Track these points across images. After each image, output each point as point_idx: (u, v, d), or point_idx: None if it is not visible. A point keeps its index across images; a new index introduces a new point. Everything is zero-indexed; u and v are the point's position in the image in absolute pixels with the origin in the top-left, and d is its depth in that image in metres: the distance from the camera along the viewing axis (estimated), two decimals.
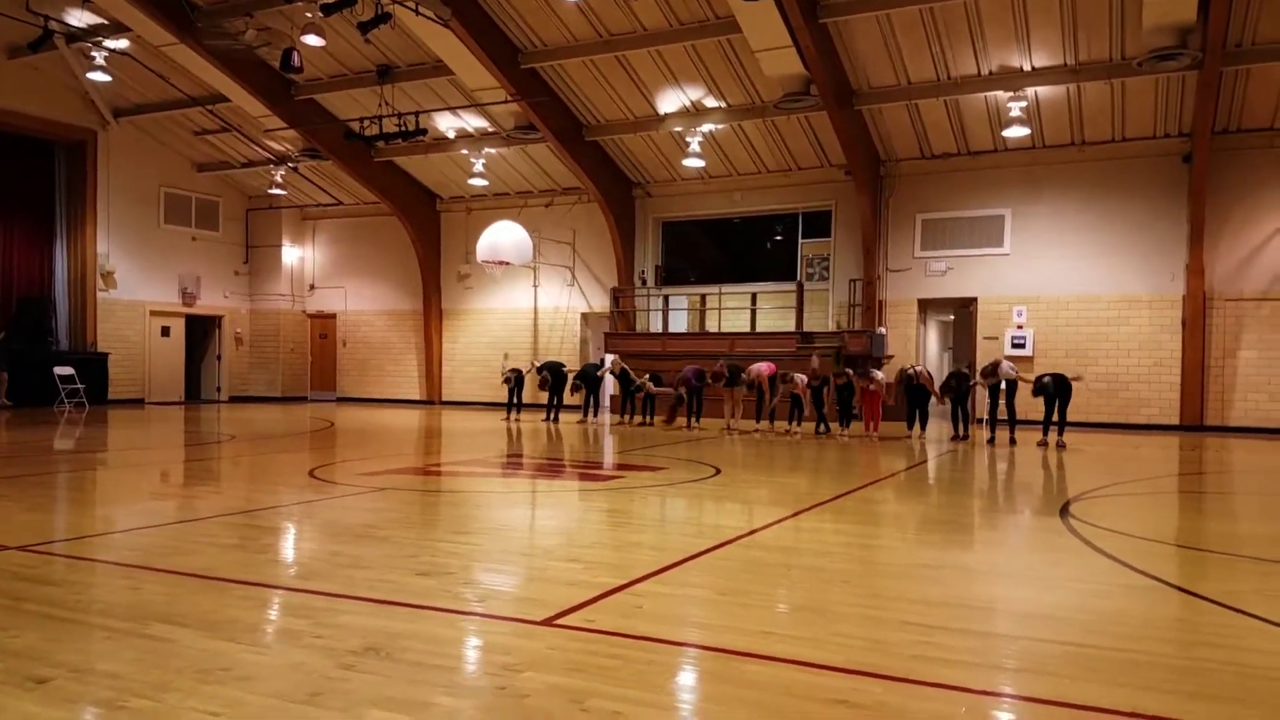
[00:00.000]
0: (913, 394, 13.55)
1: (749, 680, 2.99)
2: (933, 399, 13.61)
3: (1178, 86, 15.12)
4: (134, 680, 2.91)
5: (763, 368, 14.52)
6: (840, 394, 13.85)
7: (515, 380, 17.64)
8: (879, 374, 14.25)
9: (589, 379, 17.01)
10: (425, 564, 4.62)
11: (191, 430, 14.64)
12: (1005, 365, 12.98)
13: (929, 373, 13.95)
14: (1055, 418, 12.50)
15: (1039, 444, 12.52)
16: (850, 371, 14.11)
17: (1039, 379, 12.69)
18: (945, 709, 2.78)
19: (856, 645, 3.37)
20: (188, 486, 8.19)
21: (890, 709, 2.77)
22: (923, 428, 13.64)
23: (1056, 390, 12.45)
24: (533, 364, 18.08)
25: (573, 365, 18.63)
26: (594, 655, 3.22)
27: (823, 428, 14.21)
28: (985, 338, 17.04)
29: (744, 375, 14.52)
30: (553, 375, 16.76)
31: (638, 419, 16.19)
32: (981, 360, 15.62)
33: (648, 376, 16.22)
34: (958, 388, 13.39)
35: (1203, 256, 15.90)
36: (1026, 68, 15.34)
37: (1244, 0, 13.28)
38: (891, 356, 17.46)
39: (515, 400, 17.64)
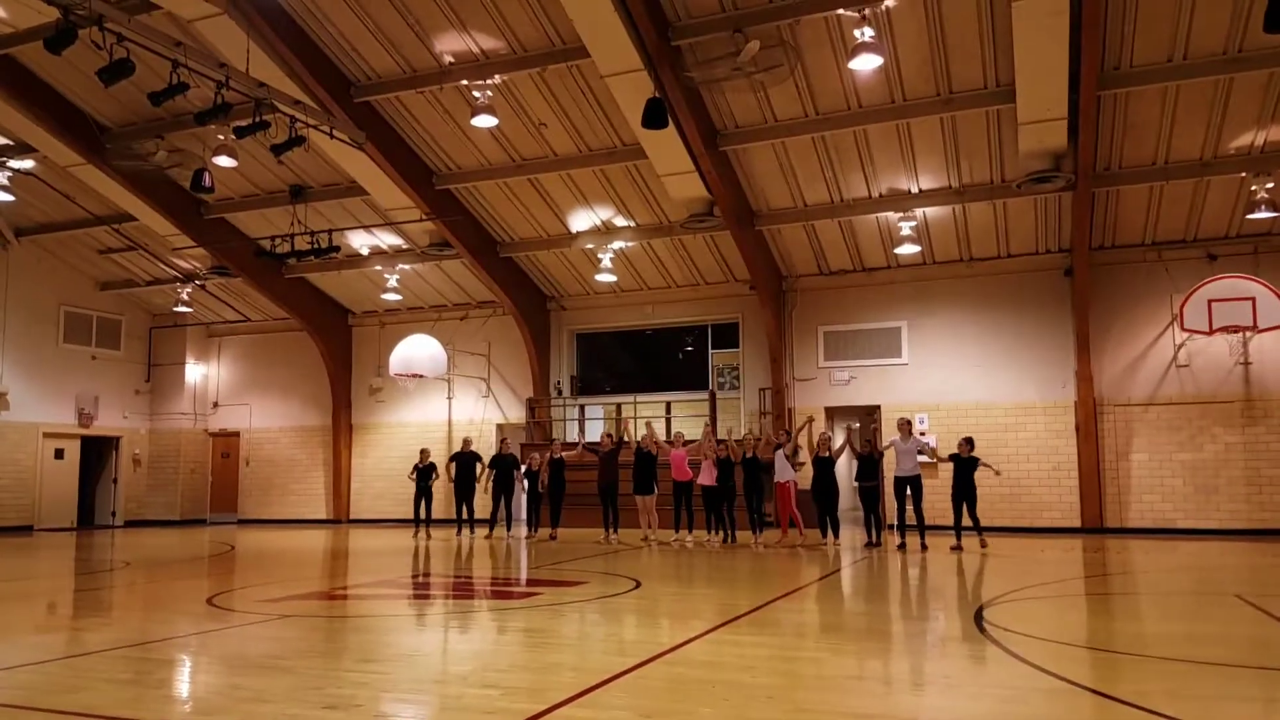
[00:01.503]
0: (823, 489, 13.57)
1: None
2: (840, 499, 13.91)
3: (1055, 206, 16.24)
4: None
5: (677, 454, 14.74)
6: (749, 487, 13.98)
7: (422, 483, 16.86)
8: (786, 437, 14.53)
9: (503, 476, 16.30)
10: (331, 696, 4.39)
11: (83, 558, 13.79)
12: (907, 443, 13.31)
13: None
14: (967, 520, 12.83)
15: (952, 548, 12.76)
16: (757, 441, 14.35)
17: (953, 455, 13.06)
18: None
19: None
20: (77, 618, 7.69)
21: None
22: (835, 534, 13.51)
23: (958, 470, 12.85)
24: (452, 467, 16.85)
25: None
26: None
27: (729, 536, 14.29)
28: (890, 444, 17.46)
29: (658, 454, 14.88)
30: (462, 471, 16.38)
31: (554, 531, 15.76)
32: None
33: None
34: (865, 479, 13.58)
35: (1090, 364, 16.76)
36: (914, 190, 16.33)
37: (1109, 128, 14.48)
38: (803, 464, 17.72)
39: (425, 515, 16.93)
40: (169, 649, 5.92)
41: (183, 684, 5.04)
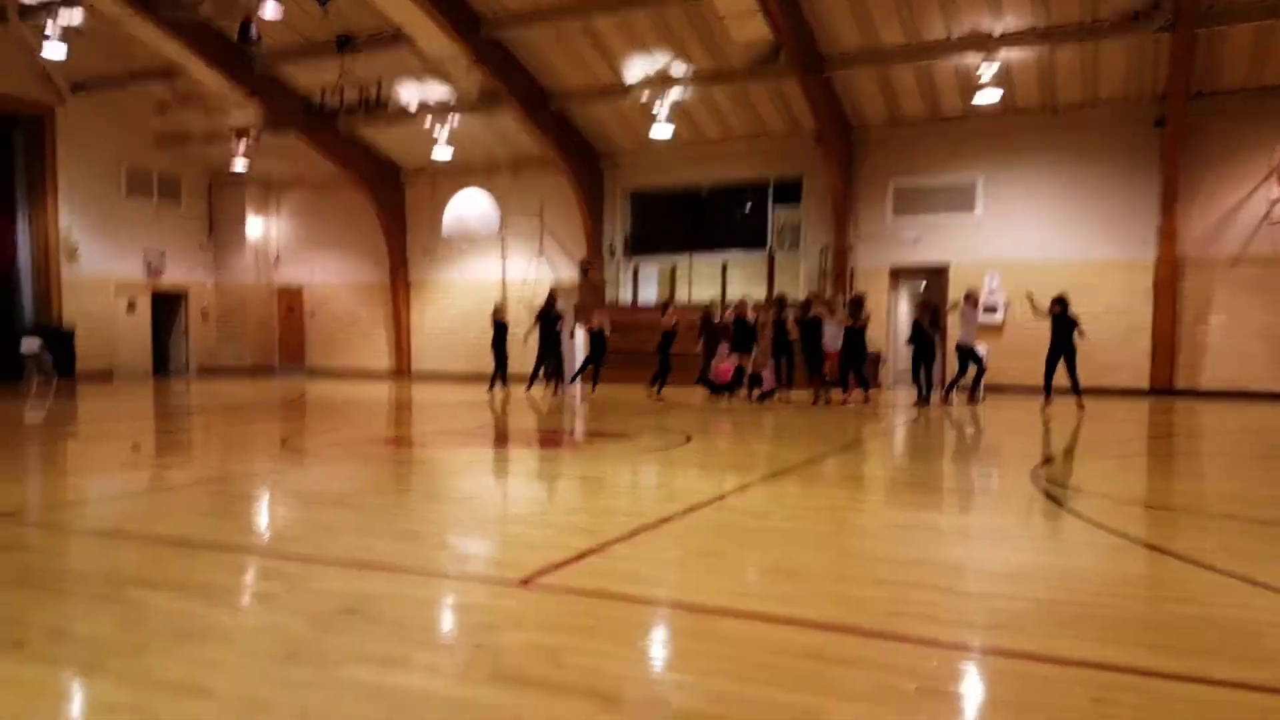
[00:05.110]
0: (852, 349, 13.58)
1: (723, 636, 3.00)
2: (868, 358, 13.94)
3: (1151, 49, 15.10)
4: (111, 642, 2.89)
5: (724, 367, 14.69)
6: (776, 343, 14.07)
7: (497, 336, 16.26)
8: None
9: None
10: (400, 529, 4.61)
11: (161, 402, 14.47)
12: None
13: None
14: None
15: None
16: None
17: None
18: (918, 662, 2.80)
19: (829, 602, 3.38)
20: (160, 456, 8.13)
21: (864, 662, 2.78)
22: (864, 387, 13.78)
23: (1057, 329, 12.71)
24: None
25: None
26: (570, 614, 3.22)
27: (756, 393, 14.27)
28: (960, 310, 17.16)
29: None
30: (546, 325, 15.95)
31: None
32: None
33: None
34: (920, 341, 13.51)
35: (1175, 221, 15.96)
36: (997, 31, 15.30)
37: None
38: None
39: (500, 371, 16.29)
40: (246, 484, 6.25)
41: (259, 516, 5.31)
